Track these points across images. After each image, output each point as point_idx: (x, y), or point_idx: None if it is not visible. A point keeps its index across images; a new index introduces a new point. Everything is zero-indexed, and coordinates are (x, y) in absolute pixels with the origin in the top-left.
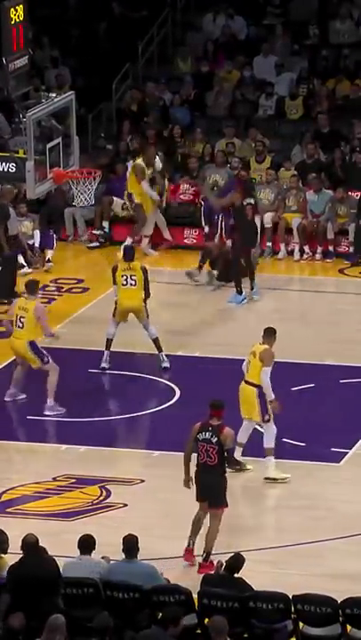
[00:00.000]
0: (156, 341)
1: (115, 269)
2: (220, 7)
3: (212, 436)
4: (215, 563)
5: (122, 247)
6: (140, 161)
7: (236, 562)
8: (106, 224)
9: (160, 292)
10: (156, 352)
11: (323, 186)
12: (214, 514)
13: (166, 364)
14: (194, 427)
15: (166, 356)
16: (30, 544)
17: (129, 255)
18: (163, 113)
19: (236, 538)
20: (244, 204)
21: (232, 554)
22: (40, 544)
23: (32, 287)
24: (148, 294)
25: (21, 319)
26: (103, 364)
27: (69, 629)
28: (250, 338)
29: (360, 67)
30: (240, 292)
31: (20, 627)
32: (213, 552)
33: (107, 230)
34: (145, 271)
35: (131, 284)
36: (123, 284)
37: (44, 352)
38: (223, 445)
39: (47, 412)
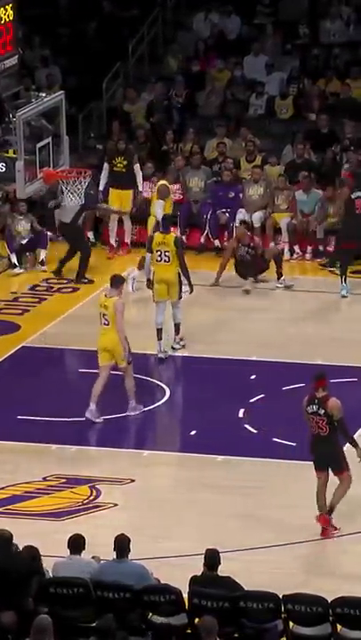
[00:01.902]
0: (176, 326)
1: (151, 239)
2: (212, 6)
3: (318, 409)
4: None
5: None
6: (164, 181)
7: (214, 557)
8: (91, 235)
9: (150, 292)
10: (143, 352)
11: (313, 185)
12: (341, 478)
13: (176, 346)
14: (304, 400)
15: (164, 352)
16: (1, 539)
17: (165, 226)
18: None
19: (227, 537)
20: (353, 197)
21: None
22: (13, 541)
23: (115, 282)
24: (183, 267)
25: (105, 316)
26: (160, 355)
27: (59, 629)
28: (240, 338)
29: (350, 66)
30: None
31: (11, 624)
32: (195, 552)
33: (93, 240)
34: (178, 244)
35: (165, 261)
36: (157, 260)
37: (130, 353)
38: (332, 416)
39: (130, 413)
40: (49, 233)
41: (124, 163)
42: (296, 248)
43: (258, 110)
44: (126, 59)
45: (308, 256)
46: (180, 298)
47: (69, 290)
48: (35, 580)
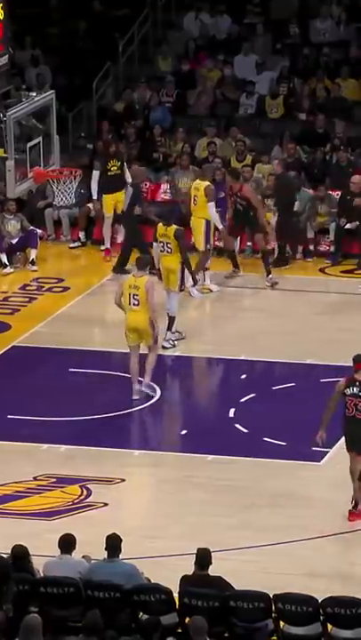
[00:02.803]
0: (170, 319)
1: (155, 230)
2: (202, 5)
3: (359, 391)
4: None
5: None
6: (208, 182)
7: (205, 557)
8: (82, 234)
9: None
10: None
11: (303, 185)
12: None
13: (166, 344)
14: (339, 383)
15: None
16: None
17: (168, 219)
18: (144, 112)
19: (218, 537)
20: None
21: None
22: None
23: (143, 263)
24: (184, 258)
25: (135, 297)
26: (164, 344)
27: (49, 629)
28: (231, 337)
29: (341, 66)
30: None
31: (1, 624)
32: (186, 552)
33: (84, 240)
34: (179, 237)
35: (167, 251)
36: (160, 251)
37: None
38: None
39: (144, 389)
40: (39, 232)
41: (118, 164)
42: (287, 247)
43: (248, 110)
44: (116, 58)
45: (298, 255)
46: (182, 290)
47: (60, 289)
48: (10, 585)
